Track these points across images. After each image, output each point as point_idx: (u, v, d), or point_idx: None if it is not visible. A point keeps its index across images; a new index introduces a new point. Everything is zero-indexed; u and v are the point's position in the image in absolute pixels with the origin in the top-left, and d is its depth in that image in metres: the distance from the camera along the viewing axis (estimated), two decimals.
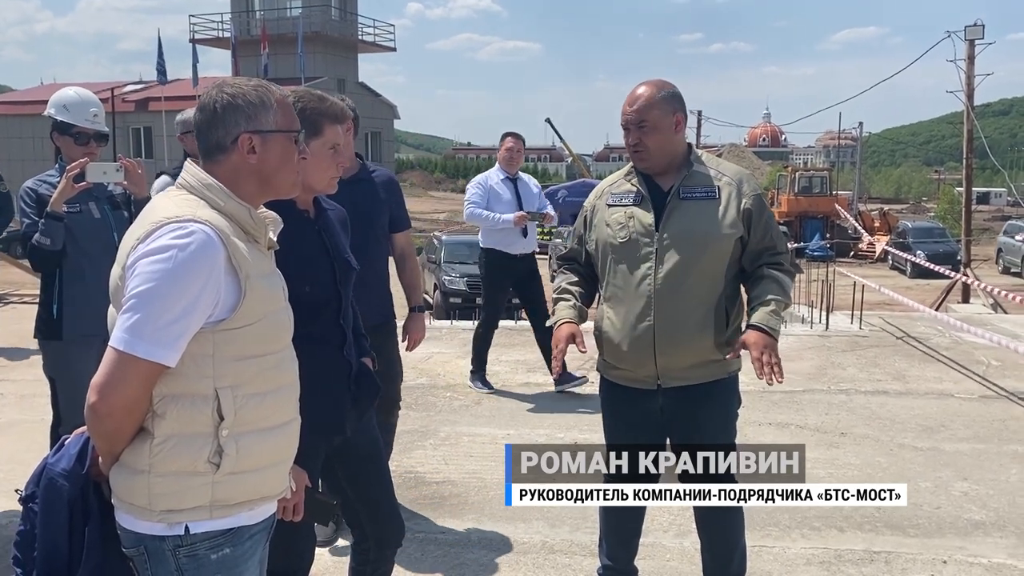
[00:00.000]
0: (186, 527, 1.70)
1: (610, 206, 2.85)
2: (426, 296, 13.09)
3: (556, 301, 3.00)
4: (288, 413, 1.85)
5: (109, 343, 1.65)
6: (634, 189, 2.83)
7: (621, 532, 3.06)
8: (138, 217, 1.78)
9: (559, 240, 19.80)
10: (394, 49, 42.57)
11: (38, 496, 1.78)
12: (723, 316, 2.78)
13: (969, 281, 14.71)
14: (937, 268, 13.52)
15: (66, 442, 1.82)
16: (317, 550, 2.55)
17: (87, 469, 1.77)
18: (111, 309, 1.76)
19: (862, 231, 26.28)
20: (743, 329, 2.78)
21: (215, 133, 1.79)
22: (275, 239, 1.88)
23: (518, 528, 3.89)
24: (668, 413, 2.84)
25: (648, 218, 2.76)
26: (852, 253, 29.97)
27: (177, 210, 1.70)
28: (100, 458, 1.75)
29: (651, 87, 2.79)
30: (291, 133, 1.84)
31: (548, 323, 3.03)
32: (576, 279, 3.01)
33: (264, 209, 1.89)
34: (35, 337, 3.56)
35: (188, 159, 1.82)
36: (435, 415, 5.61)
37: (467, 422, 5.52)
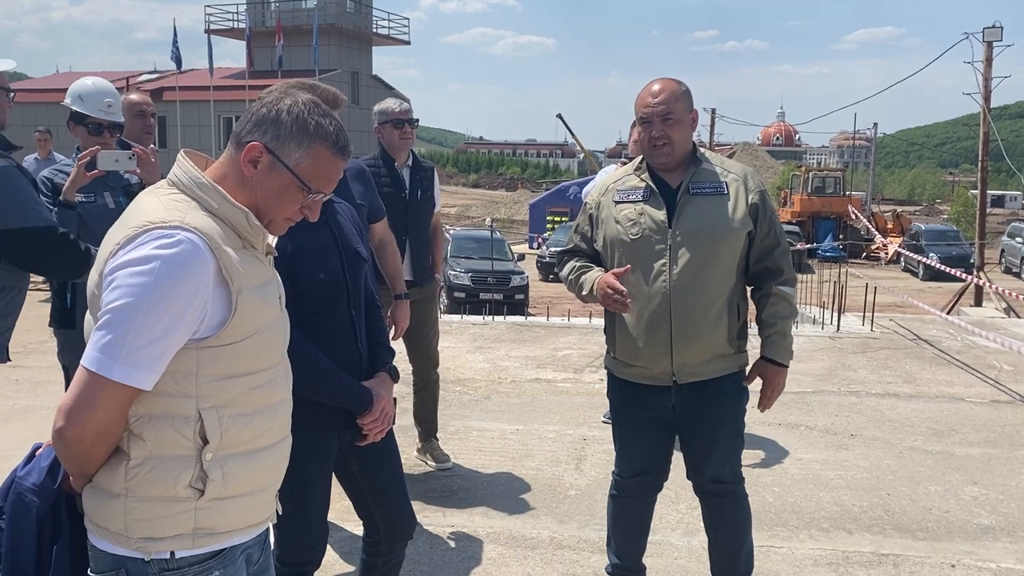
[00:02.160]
0: (172, 552, 1.56)
1: (617, 203, 2.84)
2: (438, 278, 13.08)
3: (579, 272, 2.92)
4: (279, 432, 1.70)
5: (81, 362, 1.49)
6: (643, 185, 2.82)
7: (629, 530, 3.07)
8: (121, 217, 1.60)
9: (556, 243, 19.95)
10: (408, 42, 42.61)
11: (5, 512, 1.62)
12: (735, 310, 2.80)
13: (982, 282, 14.62)
14: (950, 270, 13.44)
15: (37, 453, 1.68)
16: (328, 542, 2.55)
17: (59, 484, 1.62)
18: (88, 317, 1.60)
19: (875, 232, 26.13)
20: (754, 333, 2.82)
21: (245, 125, 1.64)
22: (273, 244, 1.73)
23: (527, 523, 3.90)
24: (680, 410, 2.84)
25: (660, 214, 2.77)
26: (864, 255, 29.84)
27: (165, 214, 1.53)
28: (71, 478, 1.61)
29: (671, 82, 2.80)
30: (302, 184, 1.62)
31: (583, 294, 2.86)
32: (585, 260, 2.96)
33: None
34: (50, 326, 3.59)
35: (183, 151, 1.66)
36: (444, 409, 5.59)
37: (477, 417, 5.53)
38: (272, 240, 1.72)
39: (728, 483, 2.92)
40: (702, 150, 2.88)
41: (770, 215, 2.83)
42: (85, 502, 1.58)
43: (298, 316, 2.10)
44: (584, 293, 2.87)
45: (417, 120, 4.37)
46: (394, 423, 2.52)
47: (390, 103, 4.31)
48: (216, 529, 1.59)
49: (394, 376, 2.52)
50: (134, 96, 4.08)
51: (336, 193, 3.45)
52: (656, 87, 2.78)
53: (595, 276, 2.83)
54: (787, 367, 2.87)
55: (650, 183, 2.81)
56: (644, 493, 3.03)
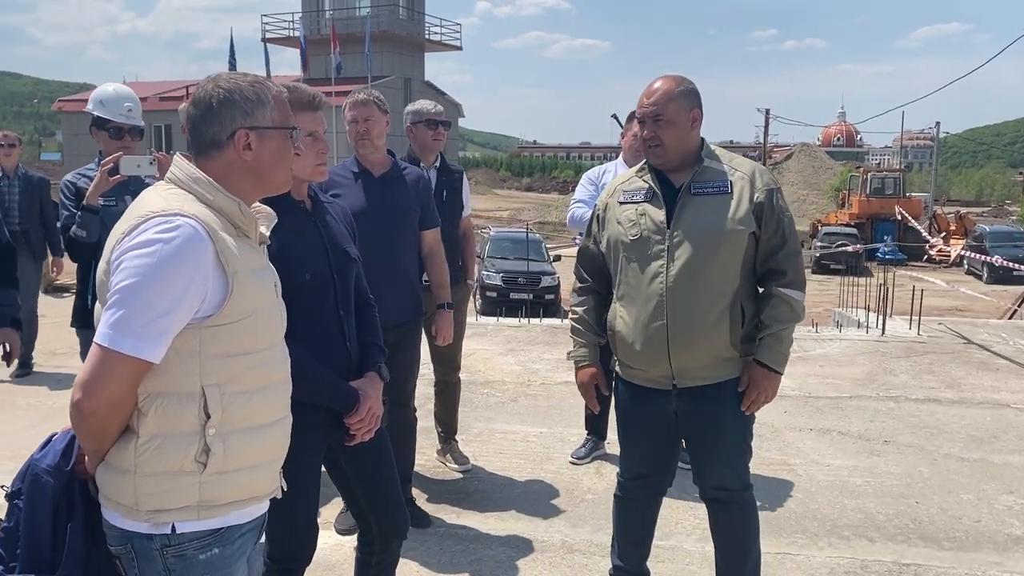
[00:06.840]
0: (173, 527, 1.67)
1: (621, 203, 2.83)
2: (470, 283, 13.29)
3: (572, 330, 3.08)
4: (278, 411, 1.81)
5: (94, 339, 1.62)
6: (645, 186, 2.80)
7: (632, 532, 3.03)
8: (125, 212, 1.75)
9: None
10: (460, 48, 42.90)
11: (23, 493, 1.74)
12: (739, 313, 2.72)
13: None
14: (1015, 266, 12.99)
15: (53, 438, 1.80)
16: (320, 540, 2.57)
17: (72, 466, 1.73)
18: (98, 305, 1.73)
19: (926, 235, 25.20)
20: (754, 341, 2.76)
21: (210, 129, 1.76)
22: (268, 234, 1.86)
23: (539, 527, 3.87)
24: (683, 415, 2.79)
25: (659, 215, 2.73)
26: (925, 257, 28.98)
27: (164, 204, 1.67)
28: (86, 457, 1.71)
29: (669, 81, 2.76)
30: (287, 130, 1.82)
31: (567, 356, 3.12)
32: (589, 303, 3.01)
33: (258, 204, 1.88)
34: (72, 326, 3.69)
35: (178, 153, 1.82)
36: (471, 411, 5.61)
37: (502, 419, 5.52)
38: (265, 230, 1.86)
39: (733, 490, 2.86)
40: (712, 148, 2.82)
41: (778, 215, 2.73)
42: (99, 479, 1.70)
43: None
44: (567, 358, 3.10)
45: (449, 123, 4.39)
46: (383, 424, 2.52)
47: (425, 104, 4.35)
48: (219, 500, 1.70)
49: (384, 376, 2.52)
50: None
51: (396, 196, 3.61)
52: (654, 86, 2.76)
53: (579, 354, 3.03)
54: (779, 373, 2.74)
55: (652, 184, 2.77)
56: (647, 495, 2.99)
